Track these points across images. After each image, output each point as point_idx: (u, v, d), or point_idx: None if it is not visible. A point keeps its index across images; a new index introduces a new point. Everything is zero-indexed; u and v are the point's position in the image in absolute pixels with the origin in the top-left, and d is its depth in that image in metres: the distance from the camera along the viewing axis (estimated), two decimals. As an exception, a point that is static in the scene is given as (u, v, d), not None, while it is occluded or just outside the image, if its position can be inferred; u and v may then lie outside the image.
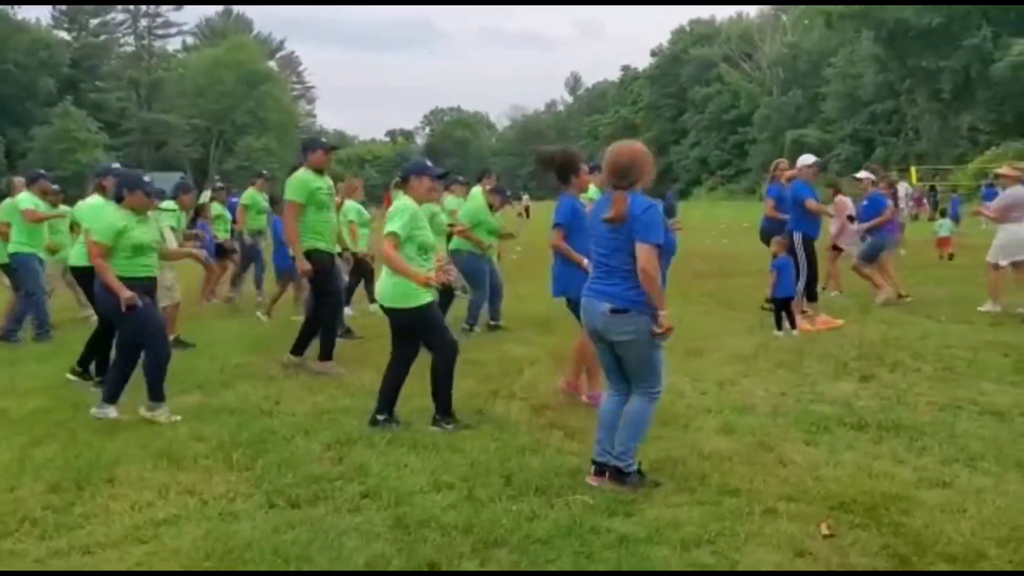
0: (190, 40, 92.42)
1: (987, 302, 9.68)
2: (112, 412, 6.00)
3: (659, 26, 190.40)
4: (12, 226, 9.69)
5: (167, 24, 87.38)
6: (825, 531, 3.81)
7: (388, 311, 5.61)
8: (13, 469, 4.91)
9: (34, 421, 6.00)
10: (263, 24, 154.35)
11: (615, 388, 4.59)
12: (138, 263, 5.97)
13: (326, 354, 7.36)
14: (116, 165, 8.08)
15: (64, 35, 77.00)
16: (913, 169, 40.83)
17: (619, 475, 4.38)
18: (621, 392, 4.54)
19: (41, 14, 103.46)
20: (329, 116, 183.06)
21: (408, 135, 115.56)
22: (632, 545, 3.68)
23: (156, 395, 6.01)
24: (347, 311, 10.22)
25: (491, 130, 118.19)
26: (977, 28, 46.42)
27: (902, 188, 19.15)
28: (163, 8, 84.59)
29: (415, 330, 5.61)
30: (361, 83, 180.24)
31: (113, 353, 6.42)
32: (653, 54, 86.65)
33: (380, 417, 5.56)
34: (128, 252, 5.91)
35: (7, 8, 66.28)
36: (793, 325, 8.60)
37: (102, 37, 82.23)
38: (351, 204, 10.45)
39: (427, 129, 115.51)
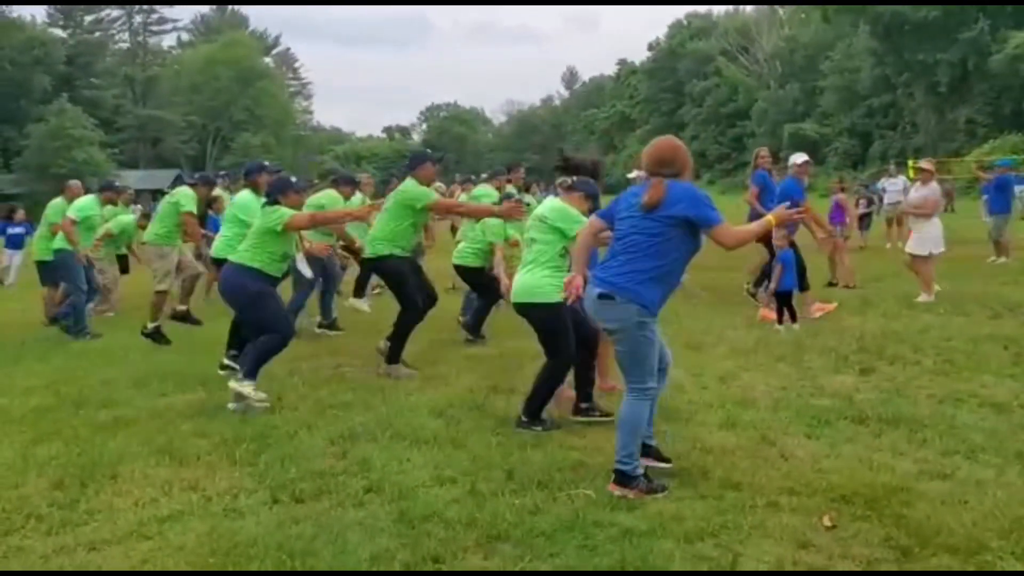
0: (185, 36, 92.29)
1: (922, 294, 10.17)
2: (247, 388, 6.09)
3: (655, 20, 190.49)
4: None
5: (162, 20, 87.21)
6: (827, 523, 3.83)
7: (521, 307, 5.52)
8: (17, 466, 4.92)
9: (36, 419, 6.02)
10: (258, 21, 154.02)
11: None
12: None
13: (394, 356, 7.17)
14: (267, 163, 8.30)
15: (59, 32, 76.76)
16: (911, 162, 40.86)
17: (624, 478, 4.26)
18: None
19: (36, 11, 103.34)
20: (326, 113, 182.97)
21: (405, 131, 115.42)
22: (635, 538, 3.69)
23: (251, 373, 6.11)
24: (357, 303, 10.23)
25: (487, 125, 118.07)
26: (974, 21, 46.42)
27: (900, 182, 19.16)
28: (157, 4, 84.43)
29: (549, 328, 5.50)
30: (357, 80, 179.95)
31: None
32: (650, 48, 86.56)
33: (524, 419, 5.43)
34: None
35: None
36: (794, 319, 8.62)
37: (97, 34, 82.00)
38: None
39: (424, 125, 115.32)
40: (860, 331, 8.22)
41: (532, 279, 5.44)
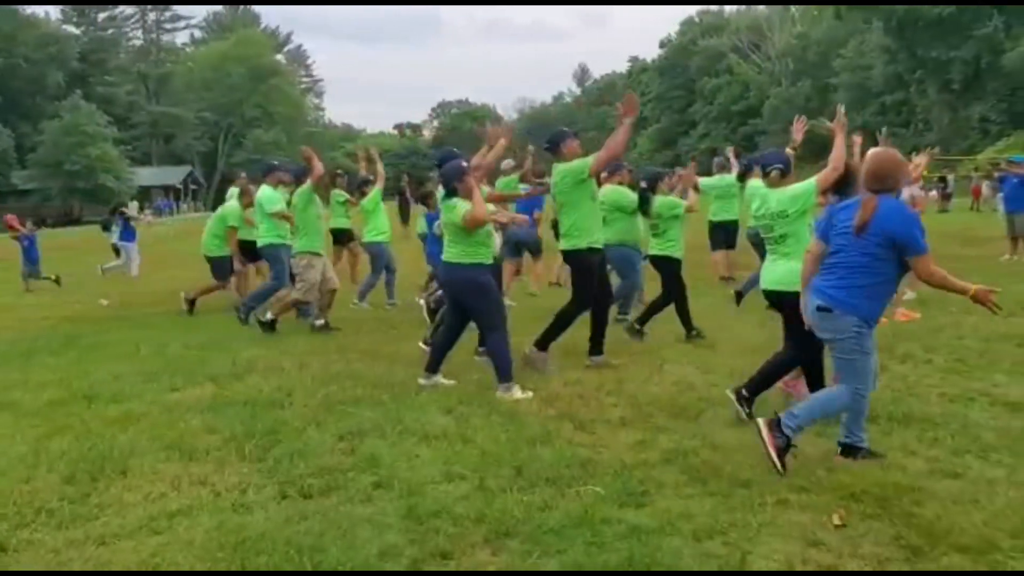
0: (198, 34, 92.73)
1: (907, 291, 10.05)
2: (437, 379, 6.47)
3: (667, 17, 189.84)
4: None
5: (175, 18, 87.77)
6: (837, 521, 3.81)
7: (777, 295, 5.53)
8: (29, 460, 4.94)
9: (48, 413, 6.04)
10: (270, 18, 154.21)
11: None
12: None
13: (596, 348, 7.17)
14: (454, 149, 8.34)
15: (72, 29, 77.16)
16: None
17: (851, 451, 4.56)
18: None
19: (50, 9, 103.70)
20: (337, 109, 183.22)
21: (416, 128, 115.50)
22: (644, 536, 3.68)
23: (505, 376, 6.21)
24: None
25: (499, 123, 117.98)
26: (988, 18, 46.18)
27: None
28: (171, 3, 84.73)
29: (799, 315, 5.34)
30: (368, 76, 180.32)
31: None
32: (662, 45, 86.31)
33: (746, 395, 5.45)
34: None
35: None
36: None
37: (110, 31, 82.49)
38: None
39: (435, 122, 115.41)
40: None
41: (791, 267, 5.35)
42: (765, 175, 5.80)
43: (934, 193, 27.07)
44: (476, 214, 6.18)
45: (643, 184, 8.40)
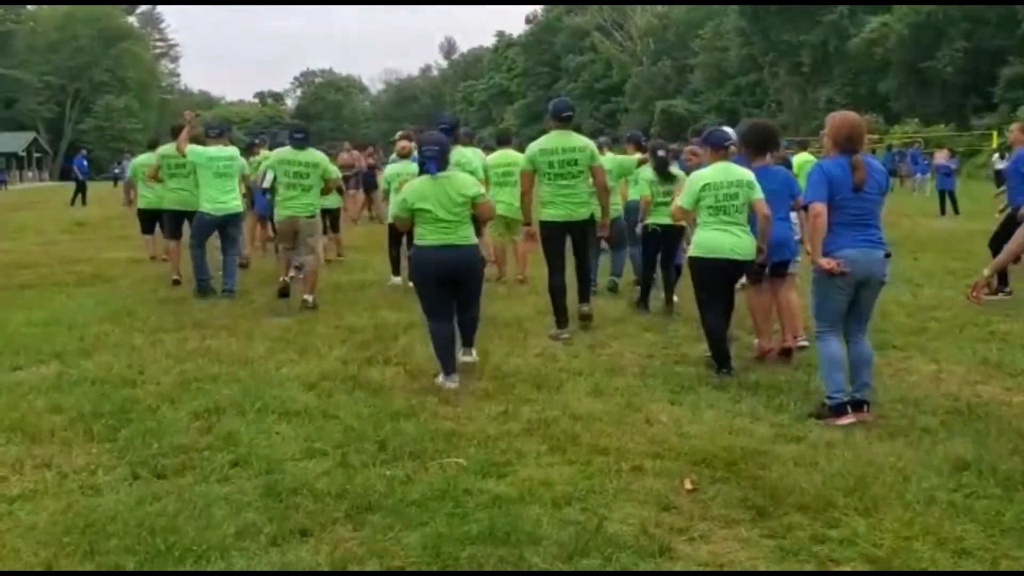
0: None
1: None
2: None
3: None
4: None
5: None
6: (688, 486, 3.97)
7: (742, 263, 6.02)
8: None
9: None
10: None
11: (840, 332, 5.09)
12: None
13: None
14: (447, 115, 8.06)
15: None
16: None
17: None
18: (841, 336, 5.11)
19: None
20: (194, 76, 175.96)
21: (278, 97, 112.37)
22: (505, 505, 3.75)
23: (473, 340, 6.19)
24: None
25: (364, 94, 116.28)
26: (834, 5, 48.55)
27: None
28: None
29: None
30: (227, 42, 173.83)
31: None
32: (528, 21, 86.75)
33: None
34: None
35: None
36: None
37: (-59, -15, 76.44)
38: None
39: (298, 91, 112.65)
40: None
41: (751, 239, 5.98)
42: (723, 149, 6.12)
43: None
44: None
45: (661, 152, 8.35)
